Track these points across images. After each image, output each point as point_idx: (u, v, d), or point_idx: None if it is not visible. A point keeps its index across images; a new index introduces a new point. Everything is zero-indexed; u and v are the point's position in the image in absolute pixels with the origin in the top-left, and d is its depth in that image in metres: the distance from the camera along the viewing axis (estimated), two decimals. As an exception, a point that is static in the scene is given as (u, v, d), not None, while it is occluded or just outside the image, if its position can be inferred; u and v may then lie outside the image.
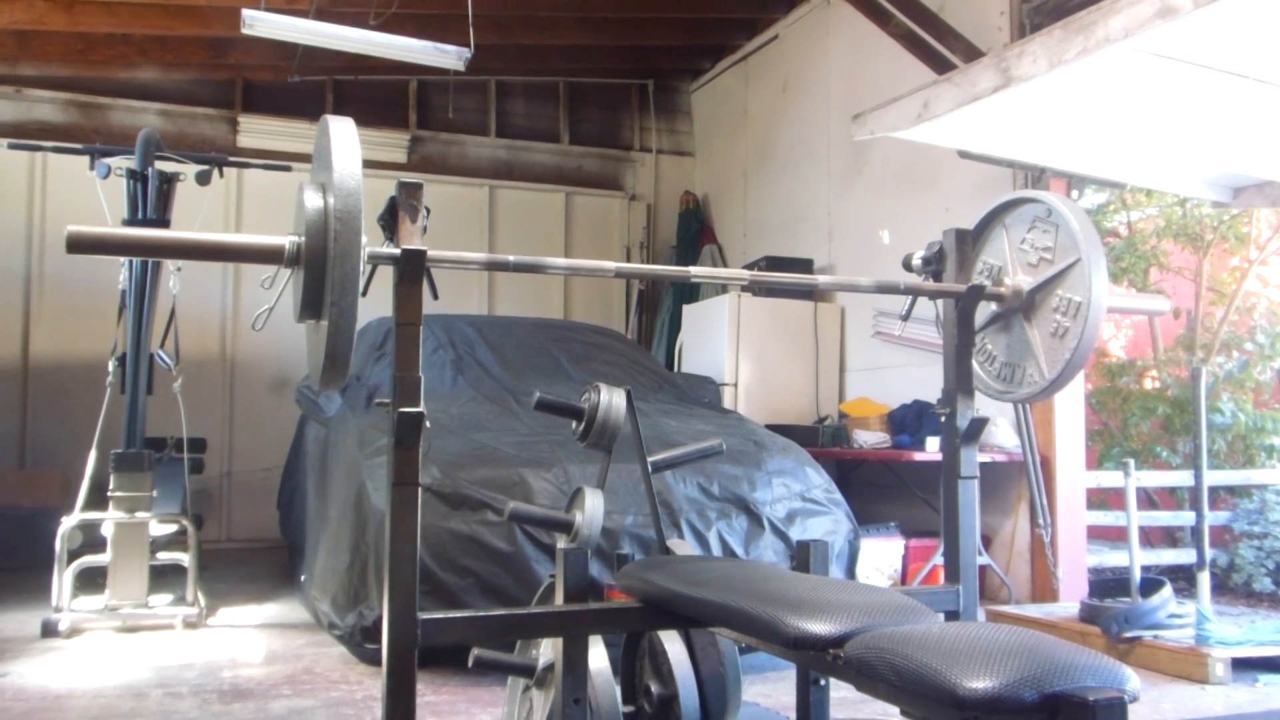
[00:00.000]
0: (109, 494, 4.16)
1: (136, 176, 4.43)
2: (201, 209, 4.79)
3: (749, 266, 6.47)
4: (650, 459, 2.50)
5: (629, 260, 7.87)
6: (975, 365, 2.28)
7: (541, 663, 2.22)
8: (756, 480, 3.81)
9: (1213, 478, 4.51)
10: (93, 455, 4.26)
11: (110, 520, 4.13)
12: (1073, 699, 1.17)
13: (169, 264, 4.49)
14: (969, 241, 2.29)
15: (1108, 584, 4.16)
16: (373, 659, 3.46)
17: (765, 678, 3.37)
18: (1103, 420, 5.69)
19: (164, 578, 4.36)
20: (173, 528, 4.40)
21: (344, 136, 1.67)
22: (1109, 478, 4.74)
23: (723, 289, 6.36)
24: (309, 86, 7.03)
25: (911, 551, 4.81)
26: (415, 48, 5.03)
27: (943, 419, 2.21)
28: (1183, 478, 4.86)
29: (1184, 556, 4.65)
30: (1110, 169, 4.27)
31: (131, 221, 4.43)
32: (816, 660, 1.47)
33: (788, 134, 6.92)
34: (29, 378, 6.45)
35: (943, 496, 2.23)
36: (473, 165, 7.66)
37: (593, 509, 2.33)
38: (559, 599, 2.10)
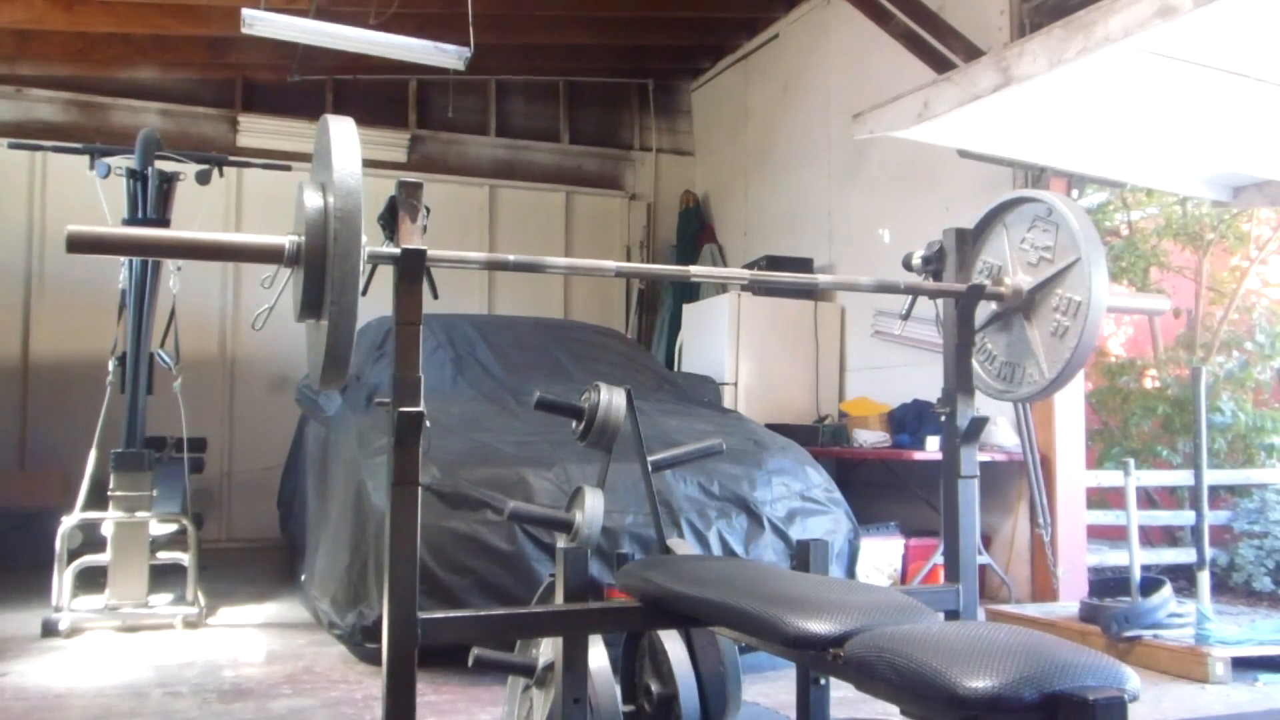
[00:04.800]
0: (109, 493, 4.16)
1: (136, 176, 4.42)
2: (201, 208, 4.79)
3: (749, 266, 6.47)
4: (650, 458, 2.50)
5: (629, 260, 7.87)
6: (975, 365, 2.28)
7: (541, 662, 2.22)
8: (756, 479, 3.80)
9: (1213, 477, 4.51)
10: (93, 455, 4.26)
11: (110, 520, 4.13)
12: (1073, 698, 1.17)
13: (169, 264, 4.49)
14: (969, 241, 2.29)
15: (1108, 583, 4.15)
16: (373, 658, 3.46)
17: (765, 677, 3.37)
18: (1103, 420, 5.69)
19: (164, 577, 4.35)
20: (173, 527, 4.40)
21: (344, 136, 1.67)
22: (1109, 477, 4.74)
23: (723, 288, 6.36)
24: (309, 86, 7.02)
25: (911, 551, 4.81)
26: (415, 47, 5.02)
27: (943, 418, 2.21)
28: (1183, 477, 4.86)
29: (1184, 556, 4.65)
30: (1110, 168, 4.27)
31: (131, 221, 4.42)
32: (816, 660, 1.48)
33: (788, 133, 6.91)
34: (29, 378, 6.45)
35: (943, 496, 2.23)
36: (473, 165, 7.65)
37: (593, 508, 2.33)
38: (559, 598, 2.10)
